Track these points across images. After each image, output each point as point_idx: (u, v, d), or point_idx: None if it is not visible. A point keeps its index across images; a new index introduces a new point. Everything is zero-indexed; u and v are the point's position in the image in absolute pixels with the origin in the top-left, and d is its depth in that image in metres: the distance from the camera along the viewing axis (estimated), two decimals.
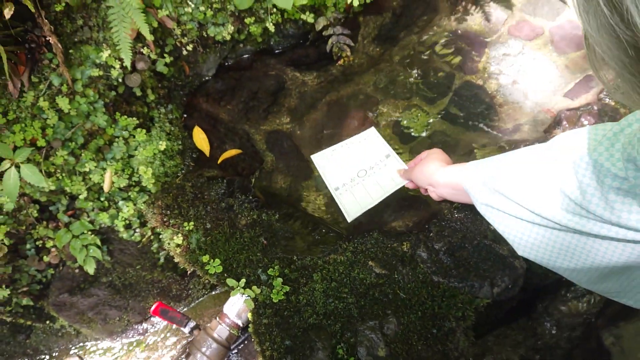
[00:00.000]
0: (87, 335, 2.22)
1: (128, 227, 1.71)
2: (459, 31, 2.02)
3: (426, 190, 1.43)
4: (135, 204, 1.64)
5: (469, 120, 1.85)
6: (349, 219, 1.63)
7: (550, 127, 1.64)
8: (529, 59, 1.94)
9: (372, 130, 1.85)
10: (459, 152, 1.77)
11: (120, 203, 1.65)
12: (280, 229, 1.51)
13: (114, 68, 1.51)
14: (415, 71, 1.97)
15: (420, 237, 1.45)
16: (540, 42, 1.96)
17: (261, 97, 1.89)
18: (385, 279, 1.39)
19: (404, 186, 1.63)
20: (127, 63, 1.43)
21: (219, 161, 1.68)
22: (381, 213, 1.65)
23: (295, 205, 1.66)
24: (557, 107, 1.74)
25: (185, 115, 1.75)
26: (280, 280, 1.38)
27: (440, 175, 1.28)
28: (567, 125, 1.57)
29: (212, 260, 1.43)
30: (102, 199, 1.65)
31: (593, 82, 1.79)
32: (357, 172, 1.75)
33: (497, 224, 1.03)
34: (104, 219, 1.64)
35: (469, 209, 1.48)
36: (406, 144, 1.83)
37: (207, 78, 1.83)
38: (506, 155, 1.02)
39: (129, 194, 1.64)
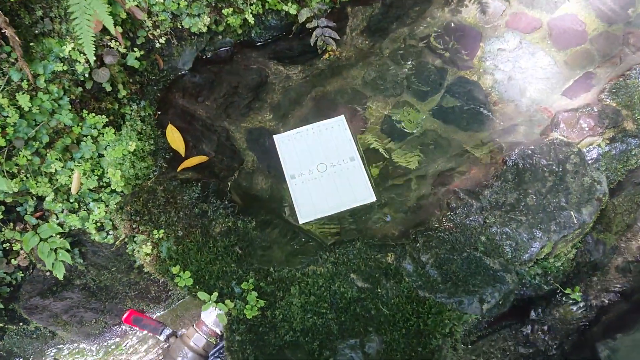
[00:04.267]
0: (64, 338, 2.14)
1: (100, 229, 1.61)
2: (453, 23, 1.91)
3: None
4: (107, 205, 1.54)
5: (462, 119, 1.75)
6: (301, 220, 1.56)
7: (547, 129, 1.54)
8: (526, 53, 1.83)
9: (341, 119, 1.75)
10: (451, 153, 1.68)
11: (91, 205, 1.55)
12: (256, 237, 1.41)
13: (79, 62, 1.41)
14: (406, 65, 1.86)
15: (406, 247, 1.36)
16: (538, 35, 1.85)
17: (242, 92, 1.78)
18: (368, 293, 1.30)
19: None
20: (91, 58, 1.32)
21: (179, 169, 1.56)
22: (365, 215, 1.56)
23: (274, 211, 1.56)
24: (555, 107, 1.64)
25: (159, 112, 1.64)
26: (254, 294, 1.29)
27: None
28: (564, 128, 1.48)
29: (182, 271, 1.33)
30: (71, 200, 1.55)
31: (593, 79, 1.69)
32: (317, 165, 1.66)
33: None
34: (74, 221, 1.55)
35: (459, 218, 1.39)
36: (399, 141, 1.73)
37: (183, 72, 1.73)
38: None
39: (100, 195, 1.54)
